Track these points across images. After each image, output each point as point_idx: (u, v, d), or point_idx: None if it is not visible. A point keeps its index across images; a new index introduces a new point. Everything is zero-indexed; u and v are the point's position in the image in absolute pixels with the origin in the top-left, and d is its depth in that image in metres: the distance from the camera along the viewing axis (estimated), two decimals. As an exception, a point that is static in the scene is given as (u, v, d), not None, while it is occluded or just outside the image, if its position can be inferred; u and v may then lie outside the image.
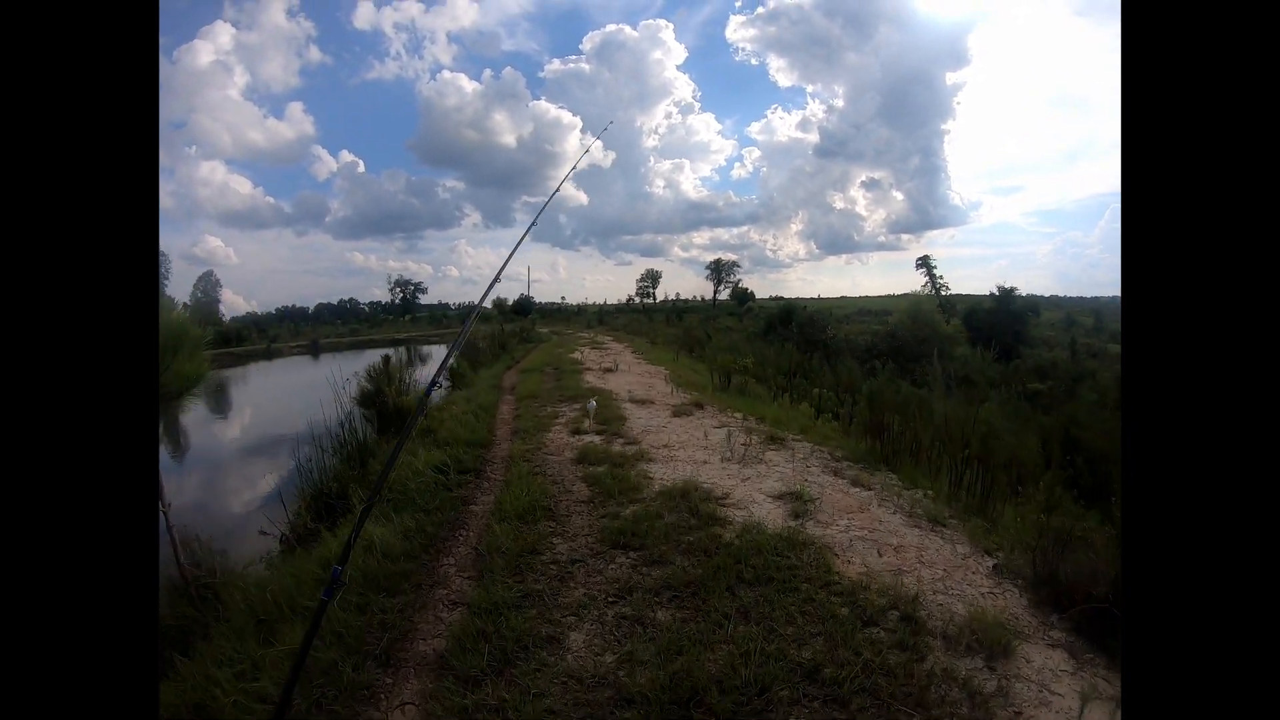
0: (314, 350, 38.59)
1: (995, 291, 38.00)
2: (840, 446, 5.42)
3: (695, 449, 5.22)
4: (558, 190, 3.78)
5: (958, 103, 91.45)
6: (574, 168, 4.20)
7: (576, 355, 14.36)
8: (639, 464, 4.67)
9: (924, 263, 65.47)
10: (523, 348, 18.36)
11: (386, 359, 7.49)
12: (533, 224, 3.42)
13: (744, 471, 4.51)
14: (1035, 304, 41.80)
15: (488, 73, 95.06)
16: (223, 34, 75.24)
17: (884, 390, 7.19)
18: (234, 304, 58.38)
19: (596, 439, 5.58)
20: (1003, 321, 32.75)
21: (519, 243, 3.10)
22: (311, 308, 69.30)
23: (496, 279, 2.90)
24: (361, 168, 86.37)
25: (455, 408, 6.82)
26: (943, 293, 54.36)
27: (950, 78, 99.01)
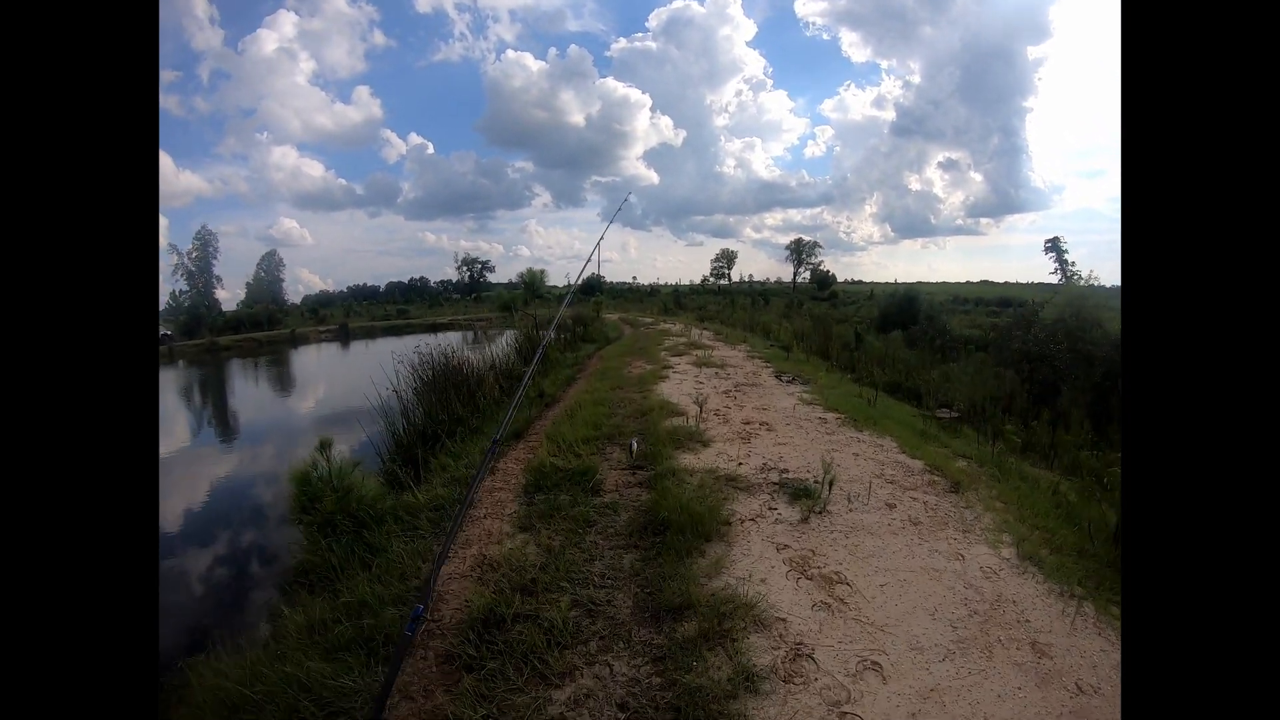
0: (343, 336, 33.63)
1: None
2: None
3: None
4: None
5: (1039, 79, 78.74)
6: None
7: (670, 386, 7.48)
8: None
9: (1054, 245, 54.09)
10: (572, 359, 11.38)
11: None
12: (600, 238, 4.17)
13: None
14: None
15: (553, 51, 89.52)
16: (286, 23, 74.04)
17: None
18: (311, 282, 59.84)
19: None
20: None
21: (595, 247, 4.19)
22: (383, 286, 69.97)
23: (576, 282, 4.34)
24: (431, 149, 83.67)
25: None
26: (1073, 281, 44.07)
27: (1032, 52, 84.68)
